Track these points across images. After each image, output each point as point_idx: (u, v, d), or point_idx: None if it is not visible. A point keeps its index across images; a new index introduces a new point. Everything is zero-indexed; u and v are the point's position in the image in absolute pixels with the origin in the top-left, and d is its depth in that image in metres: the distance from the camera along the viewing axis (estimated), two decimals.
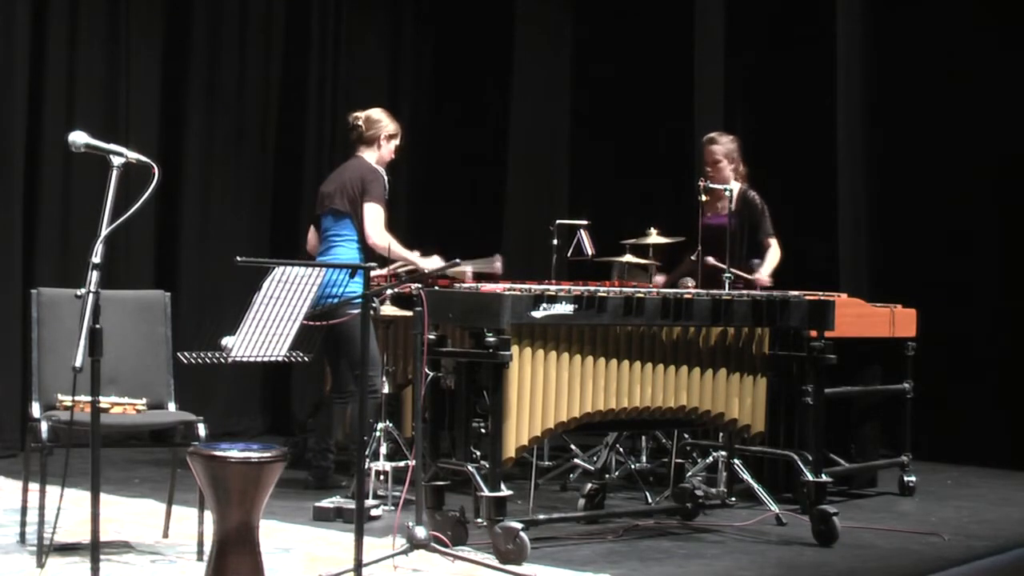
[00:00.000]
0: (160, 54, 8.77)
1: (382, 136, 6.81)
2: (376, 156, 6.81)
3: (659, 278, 7.31)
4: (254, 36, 9.29)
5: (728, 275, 6.61)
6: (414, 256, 6.64)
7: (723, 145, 7.19)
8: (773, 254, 7.18)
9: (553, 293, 5.38)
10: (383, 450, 6.43)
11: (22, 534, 5.25)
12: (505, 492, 5.28)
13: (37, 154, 8.04)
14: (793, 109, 8.97)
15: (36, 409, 5.19)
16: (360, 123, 6.82)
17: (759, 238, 7.16)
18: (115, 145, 4.16)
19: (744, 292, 6.13)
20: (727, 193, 6.86)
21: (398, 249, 6.62)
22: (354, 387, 6.60)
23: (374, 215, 6.63)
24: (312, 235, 6.98)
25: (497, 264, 6.66)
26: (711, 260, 6.82)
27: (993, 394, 8.31)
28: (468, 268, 6.60)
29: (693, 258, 6.94)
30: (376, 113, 6.88)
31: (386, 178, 6.75)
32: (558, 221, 7.45)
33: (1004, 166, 8.41)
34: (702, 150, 7.27)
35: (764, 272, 7.07)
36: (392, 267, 6.68)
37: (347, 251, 6.68)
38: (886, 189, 8.71)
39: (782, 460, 6.54)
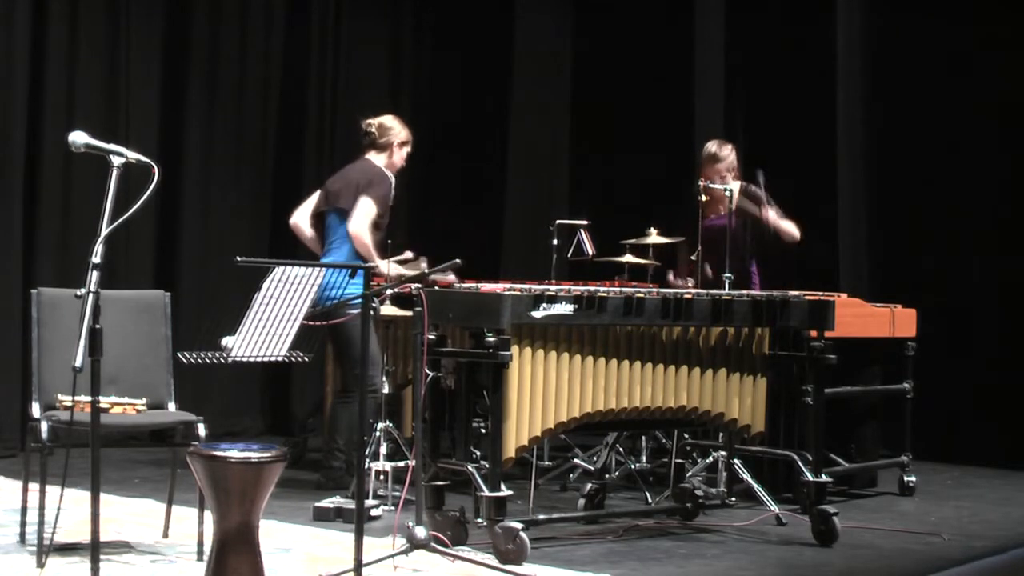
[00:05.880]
0: (160, 54, 8.77)
1: (395, 143, 6.84)
2: (386, 161, 6.83)
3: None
4: (254, 36, 9.29)
5: (728, 276, 6.61)
6: (376, 259, 6.57)
7: (725, 160, 7.13)
8: (790, 224, 7.14)
9: (553, 293, 5.38)
10: (383, 450, 6.43)
11: (22, 534, 5.25)
12: (505, 492, 5.28)
13: (37, 154, 8.03)
14: (793, 109, 8.97)
15: (36, 409, 5.19)
16: (373, 129, 6.85)
17: (761, 230, 7.10)
18: (115, 145, 4.17)
19: (744, 292, 6.13)
20: (727, 194, 6.86)
21: (367, 244, 6.57)
22: (354, 386, 6.60)
23: (365, 209, 6.63)
24: (304, 220, 6.92)
25: (451, 277, 6.63)
26: (708, 268, 6.82)
27: (992, 394, 8.31)
28: (424, 266, 6.65)
29: (693, 257, 6.94)
30: (389, 120, 6.91)
31: (393, 183, 6.76)
32: (558, 221, 7.45)
33: (1004, 166, 8.41)
34: (703, 162, 7.17)
35: (778, 218, 7.00)
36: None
37: (351, 254, 6.67)
38: (886, 189, 8.71)
39: (782, 460, 6.53)
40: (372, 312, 6.25)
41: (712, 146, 7.22)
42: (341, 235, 6.72)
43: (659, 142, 9.31)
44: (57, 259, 8.09)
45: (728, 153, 7.17)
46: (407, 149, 6.91)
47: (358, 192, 6.66)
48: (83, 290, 3.89)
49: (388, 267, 6.46)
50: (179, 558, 5.10)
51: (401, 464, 6.40)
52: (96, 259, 3.93)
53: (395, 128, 6.87)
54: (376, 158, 6.84)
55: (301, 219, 6.97)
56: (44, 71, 8.09)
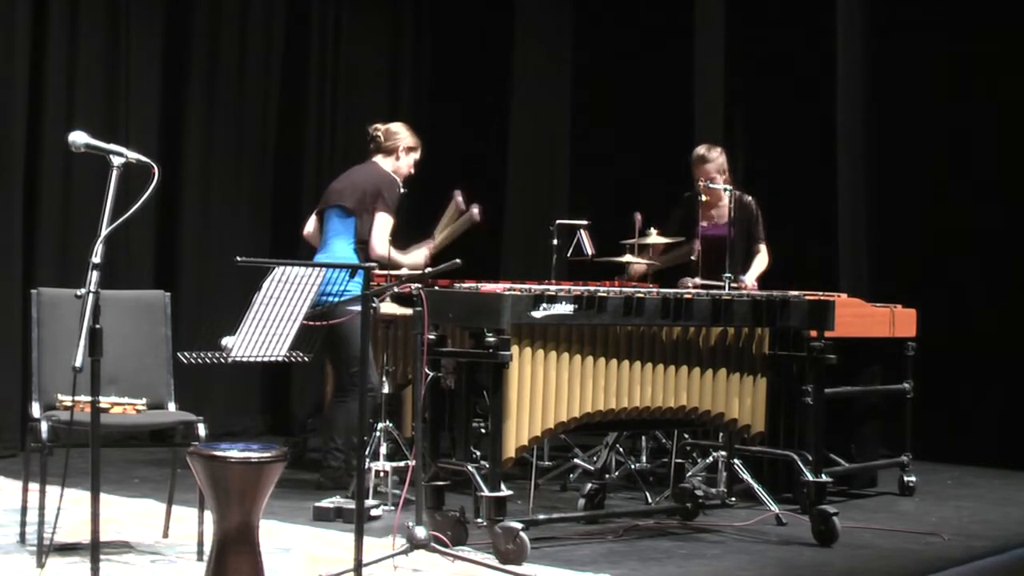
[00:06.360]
0: (160, 54, 8.77)
1: (401, 147, 6.84)
2: (392, 166, 6.83)
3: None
4: (254, 36, 9.29)
5: (728, 275, 6.62)
6: (414, 254, 6.69)
7: (714, 161, 7.16)
8: (761, 260, 7.24)
9: (553, 293, 5.38)
10: (383, 450, 6.43)
11: (22, 534, 5.25)
12: (505, 492, 5.28)
13: (37, 154, 8.03)
14: (793, 109, 8.97)
15: (36, 409, 5.19)
16: (379, 134, 6.86)
17: (750, 243, 7.18)
18: (115, 145, 4.17)
19: (744, 292, 6.13)
20: (726, 193, 6.87)
21: (397, 256, 6.67)
22: (350, 386, 6.61)
23: (383, 225, 6.65)
24: (313, 225, 6.97)
25: (459, 200, 6.90)
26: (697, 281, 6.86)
27: (993, 394, 8.31)
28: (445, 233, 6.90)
29: (694, 257, 6.96)
30: (396, 126, 6.93)
31: (400, 188, 6.76)
32: (558, 221, 7.45)
33: (1004, 166, 8.41)
34: (692, 165, 7.21)
35: (749, 278, 7.08)
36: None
37: (346, 250, 6.69)
38: (886, 189, 8.71)
39: (782, 460, 6.53)
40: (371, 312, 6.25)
41: (701, 149, 7.26)
42: (336, 231, 6.74)
43: (659, 143, 9.31)
44: (57, 259, 8.09)
45: (717, 155, 7.19)
46: (415, 156, 6.90)
47: (364, 199, 6.66)
48: (83, 290, 3.89)
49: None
50: (179, 558, 5.10)
51: (401, 464, 6.41)
52: (96, 259, 3.93)
53: (401, 133, 6.87)
54: (383, 162, 6.84)
55: (311, 227, 6.99)
56: (44, 71, 8.09)
